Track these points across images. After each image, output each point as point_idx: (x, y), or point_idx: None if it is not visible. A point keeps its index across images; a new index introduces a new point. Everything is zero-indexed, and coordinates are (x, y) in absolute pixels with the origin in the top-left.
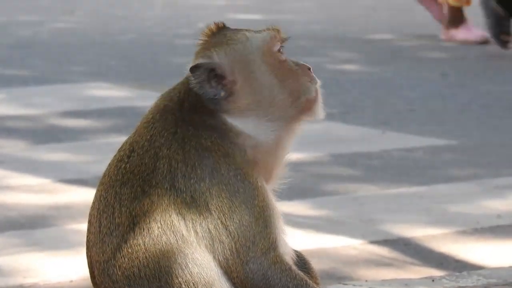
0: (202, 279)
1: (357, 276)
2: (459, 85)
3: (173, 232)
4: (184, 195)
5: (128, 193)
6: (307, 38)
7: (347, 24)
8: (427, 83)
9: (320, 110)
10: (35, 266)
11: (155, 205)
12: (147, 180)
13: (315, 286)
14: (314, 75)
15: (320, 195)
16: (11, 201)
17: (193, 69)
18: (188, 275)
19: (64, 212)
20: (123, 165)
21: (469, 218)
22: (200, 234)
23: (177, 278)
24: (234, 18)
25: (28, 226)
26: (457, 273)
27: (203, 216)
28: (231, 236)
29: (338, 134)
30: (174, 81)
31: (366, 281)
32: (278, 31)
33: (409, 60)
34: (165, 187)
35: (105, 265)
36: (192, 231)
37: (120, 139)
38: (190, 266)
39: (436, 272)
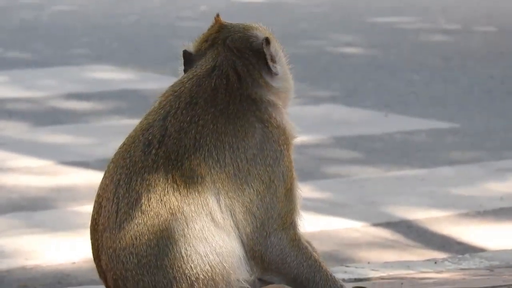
0: (220, 270)
1: (359, 258)
2: (461, 68)
3: (204, 216)
4: (230, 167)
5: (159, 179)
6: (309, 21)
7: (349, 7)
8: (429, 66)
9: None
10: (37, 248)
11: (193, 187)
12: (187, 161)
13: (328, 268)
14: None
15: (322, 178)
16: (12, 183)
17: (267, 39)
18: (207, 265)
19: (65, 194)
20: (154, 151)
21: (472, 201)
22: (234, 211)
23: (195, 268)
24: (238, 1)
25: (29, 208)
26: (460, 256)
27: (241, 189)
28: (263, 207)
29: (340, 117)
30: (177, 64)
31: (369, 263)
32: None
33: (411, 44)
34: (209, 163)
35: (119, 252)
36: (226, 210)
37: (122, 122)
38: (212, 256)
39: (438, 255)
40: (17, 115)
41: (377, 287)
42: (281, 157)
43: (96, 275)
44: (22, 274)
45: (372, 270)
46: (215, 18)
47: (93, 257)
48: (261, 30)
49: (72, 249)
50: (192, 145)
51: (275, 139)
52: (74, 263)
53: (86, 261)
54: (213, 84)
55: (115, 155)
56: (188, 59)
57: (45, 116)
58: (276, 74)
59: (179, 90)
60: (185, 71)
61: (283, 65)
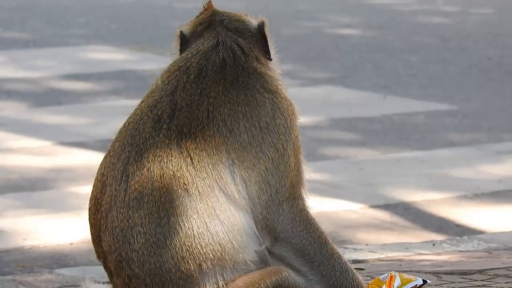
0: (230, 248)
1: (358, 240)
2: (459, 49)
3: (221, 189)
4: (244, 136)
5: (173, 155)
6: (307, 2)
7: None
8: (428, 47)
9: None
10: (35, 229)
11: (207, 160)
12: (200, 133)
13: (332, 242)
14: None
15: (321, 159)
16: (11, 164)
17: (263, 23)
18: (217, 245)
19: (64, 175)
20: (165, 125)
21: (470, 183)
22: (249, 182)
23: (206, 247)
24: None
25: (28, 188)
26: (458, 238)
27: (256, 157)
28: (278, 175)
29: (338, 98)
30: (172, 46)
31: (367, 245)
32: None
33: (409, 25)
34: (223, 133)
35: (128, 231)
36: (241, 183)
37: (120, 102)
38: (223, 234)
39: (436, 237)
40: (16, 95)
41: (375, 269)
42: (291, 126)
43: (94, 256)
44: (20, 254)
45: (370, 251)
46: (207, 4)
47: (93, 238)
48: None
49: (70, 230)
50: (205, 117)
51: (285, 108)
52: (72, 243)
53: (84, 242)
54: (221, 57)
55: (120, 133)
56: (183, 40)
57: (43, 96)
58: (270, 59)
59: (184, 66)
60: (181, 51)
61: (274, 56)
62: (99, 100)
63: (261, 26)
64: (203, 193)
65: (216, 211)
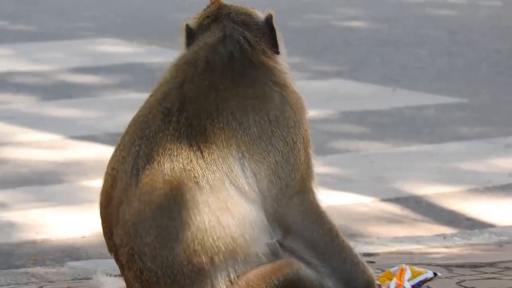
0: (242, 241)
1: (369, 233)
2: (467, 43)
3: (231, 182)
4: (254, 129)
5: (182, 148)
6: None
7: None
8: (435, 40)
9: None
10: (47, 222)
11: (217, 153)
12: (209, 126)
13: (343, 235)
14: None
15: (330, 153)
16: (21, 157)
17: (271, 16)
18: (229, 238)
19: (74, 168)
20: (174, 118)
21: (480, 177)
22: (259, 175)
23: (217, 240)
24: None
25: (39, 182)
26: (469, 231)
27: (266, 151)
28: (288, 168)
29: (347, 92)
30: (180, 39)
31: (378, 238)
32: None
33: (417, 17)
34: (233, 126)
35: (140, 225)
36: (251, 176)
37: (129, 95)
38: (234, 228)
39: (447, 230)
40: (25, 89)
41: (386, 262)
42: (300, 120)
43: (106, 250)
44: (32, 247)
45: (381, 245)
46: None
47: (104, 232)
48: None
49: (81, 223)
50: (214, 110)
51: (294, 102)
52: (83, 237)
53: (95, 235)
54: (228, 50)
55: (129, 127)
56: (190, 33)
57: (52, 90)
58: (278, 53)
59: (192, 59)
60: (188, 44)
61: (282, 50)
62: (108, 94)
63: (268, 19)
64: (213, 186)
65: (227, 204)
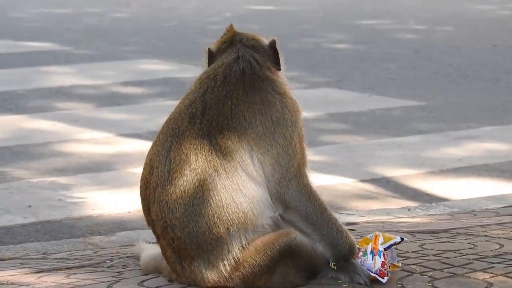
0: (252, 214)
1: (350, 207)
2: (427, 59)
3: (241, 170)
4: (260, 128)
5: (205, 143)
6: (308, 23)
7: (339, 12)
8: (402, 57)
9: None
10: (101, 201)
11: (231, 147)
12: (225, 126)
13: (331, 211)
14: None
15: (320, 145)
16: (82, 151)
17: (274, 41)
18: (241, 212)
19: (123, 159)
20: (198, 120)
21: (436, 162)
22: (264, 164)
23: (232, 214)
24: (252, 8)
25: (95, 170)
26: (428, 204)
27: (270, 144)
28: (287, 158)
29: (334, 98)
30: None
31: (357, 211)
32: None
33: (388, 40)
34: (243, 126)
35: (171, 203)
36: (258, 164)
37: (166, 103)
38: (245, 204)
39: (411, 203)
40: (85, 98)
41: (364, 230)
42: (296, 120)
43: (146, 222)
44: (89, 221)
45: (360, 216)
46: (229, 27)
47: (143, 209)
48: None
49: (128, 202)
50: (229, 113)
51: (291, 106)
52: (129, 212)
53: (139, 211)
54: (241, 67)
55: (163, 128)
56: (211, 55)
57: (106, 99)
58: (279, 69)
59: (213, 74)
60: (209, 64)
61: (281, 67)
62: (149, 101)
63: (272, 44)
64: (229, 172)
65: (239, 187)
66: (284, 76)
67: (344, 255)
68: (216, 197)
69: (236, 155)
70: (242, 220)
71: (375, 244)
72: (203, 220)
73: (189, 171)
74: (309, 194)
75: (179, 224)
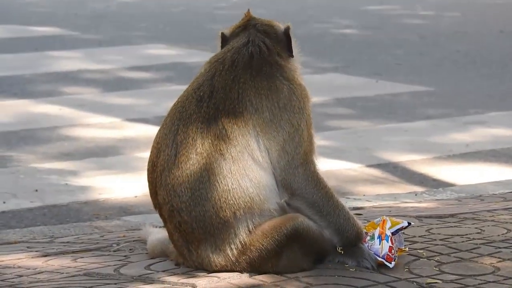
0: (258, 199)
1: (357, 192)
2: (434, 44)
3: (247, 155)
4: (266, 113)
5: (212, 127)
6: (316, 9)
7: None
8: (409, 43)
9: None
10: (108, 185)
11: (238, 132)
12: (232, 110)
13: (338, 198)
14: None
15: (327, 130)
16: (89, 135)
17: (288, 28)
18: (248, 197)
19: (130, 144)
20: (205, 104)
21: (444, 147)
22: (270, 150)
23: (239, 199)
24: None
25: (102, 154)
26: (435, 189)
27: (276, 131)
28: (293, 145)
29: (341, 83)
30: (214, 43)
31: (364, 195)
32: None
33: (396, 26)
34: (250, 111)
35: (176, 187)
36: (264, 150)
37: (173, 88)
38: (251, 189)
39: (418, 188)
40: (93, 83)
41: (370, 214)
42: (303, 107)
43: (152, 206)
44: (95, 205)
45: (367, 201)
46: (246, 12)
47: (150, 193)
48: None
49: (134, 186)
50: (236, 98)
51: (299, 93)
52: (136, 196)
53: (145, 195)
54: (250, 52)
55: (170, 111)
56: (224, 39)
57: (114, 83)
58: (292, 56)
59: (222, 58)
60: (221, 48)
61: (296, 55)
62: (156, 86)
63: (286, 30)
64: (235, 157)
65: (246, 171)
66: (298, 62)
67: (351, 241)
68: (223, 181)
69: (242, 140)
70: (249, 204)
71: (382, 228)
72: (209, 204)
73: (195, 155)
74: (315, 181)
75: (186, 208)
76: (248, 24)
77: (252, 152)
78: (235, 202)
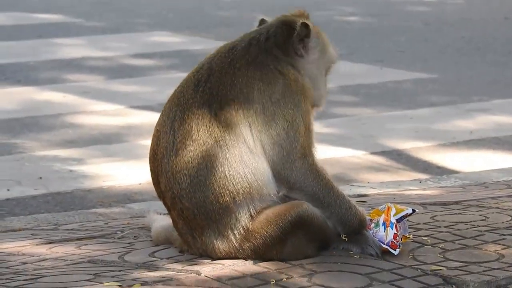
0: (256, 185)
1: (361, 179)
2: (438, 31)
3: (241, 143)
4: (256, 105)
5: (206, 112)
6: None
7: None
8: (413, 30)
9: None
10: (112, 172)
11: (230, 119)
12: (224, 96)
13: (338, 187)
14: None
15: (332, 117)
16: (93, 123)
17: (303, 24)
18: (246, 183)
19: (134, 131)
20: (201, 88)
21: (448, 134)
22: (263, 141)
23: (237, 185)
24: None
25: (106, 141)
26: (439, 176)
27: (269, 125)
28: (288, 140)
29: (345, 70)
30: (219, 30)
31: (368, 183)
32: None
33: (399, 13)
34: (240, 100)
35: (176, 174)
36: (257, 140)
37: (177, 75)
38: (249, 175)
39: (422, 176)
40: (97, 70)
41: (375, 201)
42: (299, 104)
43: (156, 194)
44: (100, 192)
45: (371, 188)
46: (302, 10)
47: (153, 181)
48: (311, 24)
49: (138, 173)
50: (228, 84)
51: (294, 89)
52: (140, 184)
53: (149, 182)
54: (250, 38)
55: (171, 96)
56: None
57: (118, 71)
58: (299, 55)
59: (230, 43)
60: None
61: (314, 59)
62: (160, 73)
63: (297, 23)
64: (229, 145)
65: (242, 158)
66: (308, 63)
67: (355, 229)
68: (219, 168)
69: (236, 128)
70: (247, 190)
71: (387, 216)
72: (208, 190)
73: (191, 141)
74: (314, 174)
75: (186, 195)
76: (279, 17)
77: (245, 141)
78: (234, 188)
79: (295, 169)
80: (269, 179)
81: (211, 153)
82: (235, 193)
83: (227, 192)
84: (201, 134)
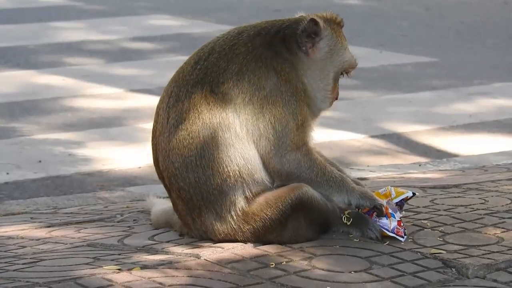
0: (246, 170)
1: (361, 163)
2: (439, 16)
3: (228, 128)
4: (245, 96)
5: (198, 92)
6: None
7: None
8: (415, 14)
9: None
10: (111, 156)
11: (218, 102)
12: (216, 78)
13: (333, 170)
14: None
15: None
16: (93, 106)
17: (312, 20)
18: (235, 166)
19: (133, 114)
20: (199, 66)
21: (447, 118)
22: (250, 131)
23: (226, 167)
24: None
25: (106, 125)
26: (438, 160)
27: (256, 116)
28: (276, 134)
29: None
30: (219, 14)
31: (368, 166)
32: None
33: None
34: (230, 85)
35: (170, 152)
36: (244, 128)
37: (177, 58)
38: (238, 159)
39: (422, 159)
40: (96, 54)
41: (375, 185)
42: (289, 103)
43: (156, 177)
44: (99, 176)
45: (371, 171)
46: (336, 15)
47: (153, 160)
48: (322, 23)
49: (138, 157)
50: (223, 67)
51: (282, 90)
52: (140, 167)
53: (149, 166)
54: (262, 27)
55: (175, 73)
56: None
57: (117, 54)
58: (303, 52)
59: (242, 26)
60: None
61: (320, 60)
62: (160, 57)
63: (304, 20)
64: (219, 128)
65: (232, 142)
66: (314, 64)
67: (362, 205)
68: (209, 150)
69: (224, 112)
70: (237, 173)
71: (386, 209)
72: (200, 171)
73: (182, 119)
74: (309, 163)
75: (180, 174)
76: (306, 14)
77: (234, 126)
78: (224, 170)
79: (286, 162)
80: (260, 166)
81: (200, 134)
82: (226, 176)
83: (218, 173)
84: (191, 113)
